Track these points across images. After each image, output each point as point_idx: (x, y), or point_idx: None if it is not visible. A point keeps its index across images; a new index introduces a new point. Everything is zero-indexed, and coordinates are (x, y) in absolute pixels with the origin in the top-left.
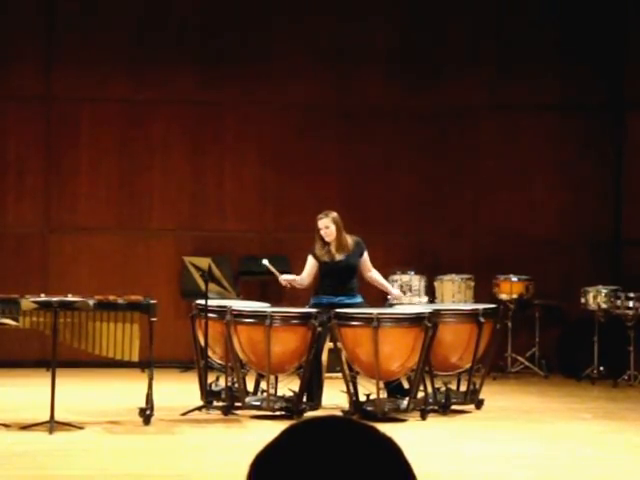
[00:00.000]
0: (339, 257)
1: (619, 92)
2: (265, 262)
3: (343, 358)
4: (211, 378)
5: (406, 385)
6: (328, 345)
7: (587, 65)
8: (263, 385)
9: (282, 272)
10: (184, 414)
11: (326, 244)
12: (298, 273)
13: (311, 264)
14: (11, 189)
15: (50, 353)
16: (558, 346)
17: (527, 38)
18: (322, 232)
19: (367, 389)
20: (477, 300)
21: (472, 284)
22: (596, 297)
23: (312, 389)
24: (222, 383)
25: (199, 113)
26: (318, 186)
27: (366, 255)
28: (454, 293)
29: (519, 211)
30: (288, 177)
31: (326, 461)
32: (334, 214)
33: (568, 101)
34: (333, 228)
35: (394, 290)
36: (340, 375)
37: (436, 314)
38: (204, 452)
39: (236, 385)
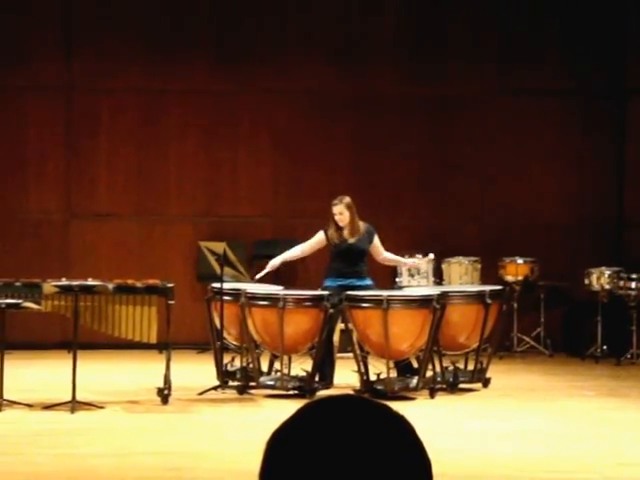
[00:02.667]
0: (351, 240)
1: (621, 78)
2: (258, 276)
3: (354, 339)
4: (227, 359)
5: (415, 364)
6: (339, 326)
7: (589, 52)
8: (277, 365)
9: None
10: (201, 394)
11: (340, 228)
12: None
13: (318, 238)
14: (33, 177)
15: (71, 335)
16: (562, 326)
17: (531, 26)
18: (336, 218)
19: (377, 368)
20: (484, 282)
21: (479, 266)
22: (599, 278)
23: (324, 369)
24: (237, 363)
25: (214, 102)
26: (329, 172)
27: (377, 240)
28: (461, 275)
29: (524, 195)
30: (300, 164)
31: (341, 438)
32: (348, 200)
33: (571, 87)
34: (347, 214)
35: (409, 260)
36: (351, 355)
37: (444, 296)
38: (220, 430)
39: (251, 365)
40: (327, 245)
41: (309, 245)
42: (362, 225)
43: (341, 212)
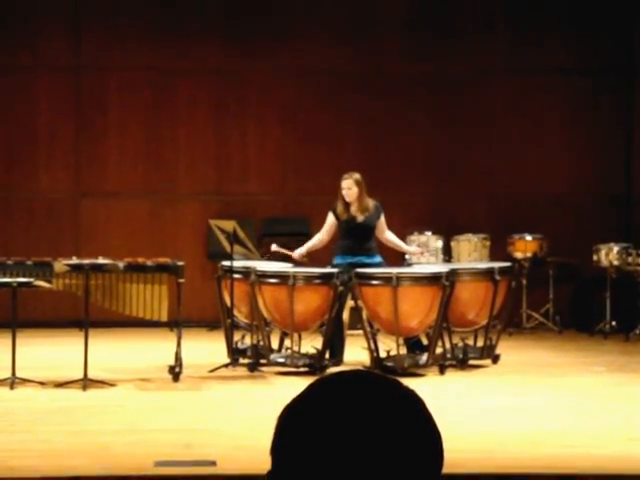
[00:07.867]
0: (360, 217)
1: (629, 56)
2: (274, 247)
3: (364, 316)
4: (237, 336)
5: (425, 341)
6: (349, 303)
7: (598, 29)
8: (287, 343)
9: (290, 248)
10: (212, 371)
11: (347, 204)
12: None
13: (330, 221)
14: (43, 156)
15: (82, 314)
16: (571, 302)
17: (540, 3)
18: (344, 192)
19: (387, 345)
20: (493, 259)
21: (488, 243)
22: (608, 254)
23: (334, 346)
24: (248, 341)
25: (223, 81)
26: (337, 150)
27: (383, 218)
28: (470, 252)
29: (533, 171)
30: (308, 142)
31: (353, 412)
32: (357, 175)
33: (580, 64)
34: (355, 189)
35: (410, 247)
36: (361, 332)
37: (453, 273)
38: (231, 407)
39: (261, 343)
40: (338, 223)
41: (325, 231)
42: (371, 202)
43: (349, 187)
